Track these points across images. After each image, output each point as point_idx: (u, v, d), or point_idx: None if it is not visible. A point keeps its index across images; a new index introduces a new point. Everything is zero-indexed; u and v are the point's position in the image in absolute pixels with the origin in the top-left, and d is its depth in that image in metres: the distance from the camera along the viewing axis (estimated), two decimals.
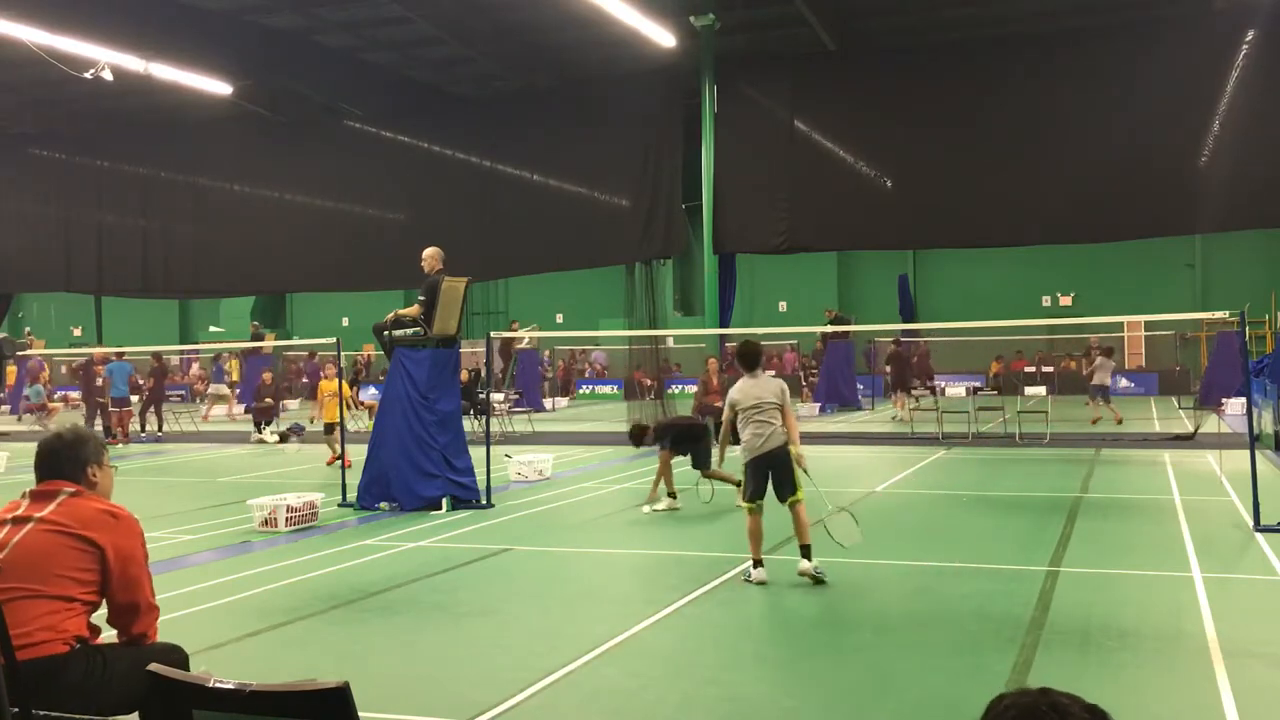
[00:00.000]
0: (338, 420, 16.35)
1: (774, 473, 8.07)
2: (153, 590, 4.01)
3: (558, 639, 6.53)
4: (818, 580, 7.81)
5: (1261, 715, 5.07)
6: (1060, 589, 7.57)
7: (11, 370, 31.28)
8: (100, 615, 3.94)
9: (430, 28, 23.23)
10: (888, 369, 27.23)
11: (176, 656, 3.89)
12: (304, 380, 36.68)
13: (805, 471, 8.10)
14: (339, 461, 15.89)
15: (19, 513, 3.88)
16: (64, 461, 4.01)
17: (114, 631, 4.00)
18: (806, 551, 7.94)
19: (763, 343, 9.16)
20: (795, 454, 8.02)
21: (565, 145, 23.52)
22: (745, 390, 8.23)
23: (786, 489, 8.03)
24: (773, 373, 8.39)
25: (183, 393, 37.49)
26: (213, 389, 31.91)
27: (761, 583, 7.85)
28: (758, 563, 7.97)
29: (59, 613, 3.71)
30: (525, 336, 27.91)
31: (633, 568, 9.21)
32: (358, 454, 12.96)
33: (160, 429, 24.04)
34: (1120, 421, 20.76)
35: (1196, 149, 18.72)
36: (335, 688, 2.61)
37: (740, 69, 22.14)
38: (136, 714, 3.73)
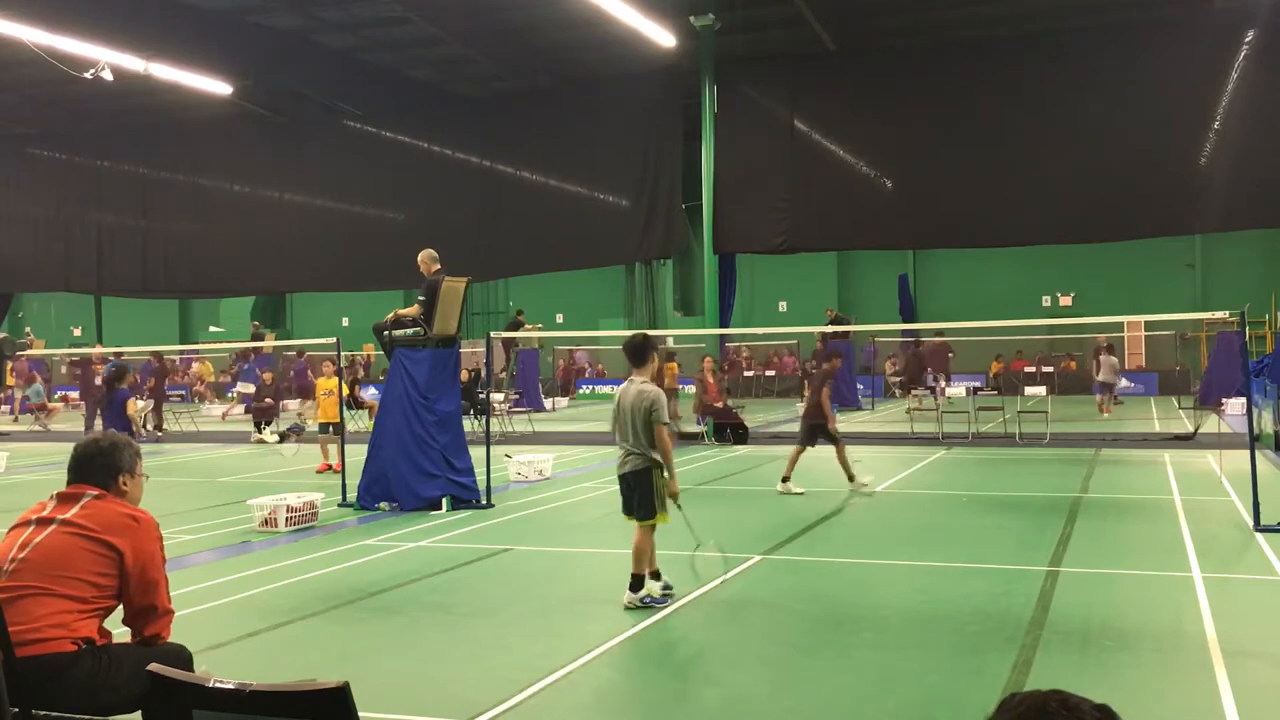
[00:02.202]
0: (336, 420, 16.05)
1: (635, 492, 7.36)
2: (169, 594, 4.06)
3: (558, 639, 6.52)
4: (644, 606, 7.20)
5: (1261, 715, 5.06)
6: (1060, 589, 7.56)
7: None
8: (114, 617, 3.97)
9: (430, 28, 23.23)
10: (888, 368, 27.25)
11: (181, 657, 3.92)
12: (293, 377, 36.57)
13: (679, 508, 7.34)
14: (330, 469, 15.69)
15: (44, 513, 3.94)
16: (97, 468, 4.03)
17: (127, 632, 4.03)
18: (635, 583, 7.28)
19: (762, 342, 8.94)
20: (667, 488, 7.27)
21: (565, 145, 23.53)
22: (623, 393, 7.46)
23: (641, 510, 7.31)
24: (645, 378, 7.40)
25: (183, 393, 37.47)
26: (240, 386, 31.88)
27: (669, 590, 7.35)
28: (655, 574, 7.44)
29: (70, 612, 3.74)
30: (535, 336, 27.93)
31: None
32: (357, 454, 12.95)
33: (160, 429, 24.04)
34: (1103, 412, 23.90)
35: (1196, 149, 18.72)
36: (335, 688, 2.61)
37: (740, 69, 22.14)
38: (139, 714, 3.74)
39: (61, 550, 3.79)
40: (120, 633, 4.05)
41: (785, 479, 12.73)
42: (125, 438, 4.30)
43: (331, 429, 16.06)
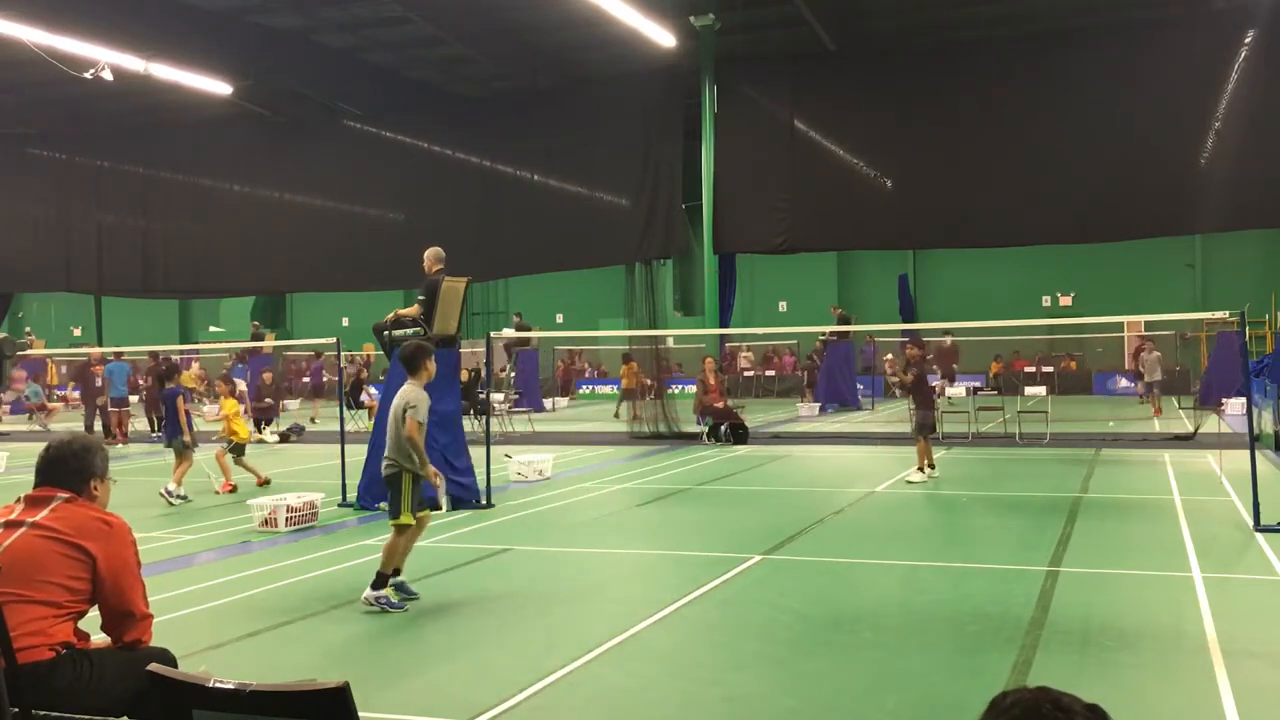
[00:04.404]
0: (245, 440, 14.63)
1: (388, 494, 7.62)
2: (145, 598, 3.94)
3: (558, 639, 6.53)
4: (386, 610, 7.24)
5: (1261, 715, 5.06)
6: (1060, 589, 7.56)
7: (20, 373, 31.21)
8: (93, 620, 3.91)
9: (430, 28, 23.23)
10: (888, 368, 27.21)
11: (165, 660, 3.86)
12: (306, 380, 36.64)
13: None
14: (233, 490, 14.00)
15: (12, 517, 3.82)
16: (69, 471, 3.92)
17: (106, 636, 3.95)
18: (378, 581, 7.35)
19: (762, 342, 8.95)
20: (426, 474, 7.51)
21: (565, 145, 23.51)
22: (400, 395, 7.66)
23: (390, 511, 7.56)
24: (417, 386, 7.53)
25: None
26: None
27: (411, 596, 7.57)
28: (396, 573, 7.54)
29: (45, 618, 3.66)
30: (534, 337, 27.95)
31: (633, 568, 9.20)
32: (357, 454, 12.95)
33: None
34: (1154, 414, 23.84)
35: (1196, 149, 18.71)
36: (335, 688, 2.61)
37: (740, 69, 22.13)
38: (125, 718, 3.71)
39: (32, 553, 3.69)
40: (99, 638, 3.98)
41: (920, 469, 13.71)
42: (98, 440, 4.17)
43: (231, 447, 14.38)
